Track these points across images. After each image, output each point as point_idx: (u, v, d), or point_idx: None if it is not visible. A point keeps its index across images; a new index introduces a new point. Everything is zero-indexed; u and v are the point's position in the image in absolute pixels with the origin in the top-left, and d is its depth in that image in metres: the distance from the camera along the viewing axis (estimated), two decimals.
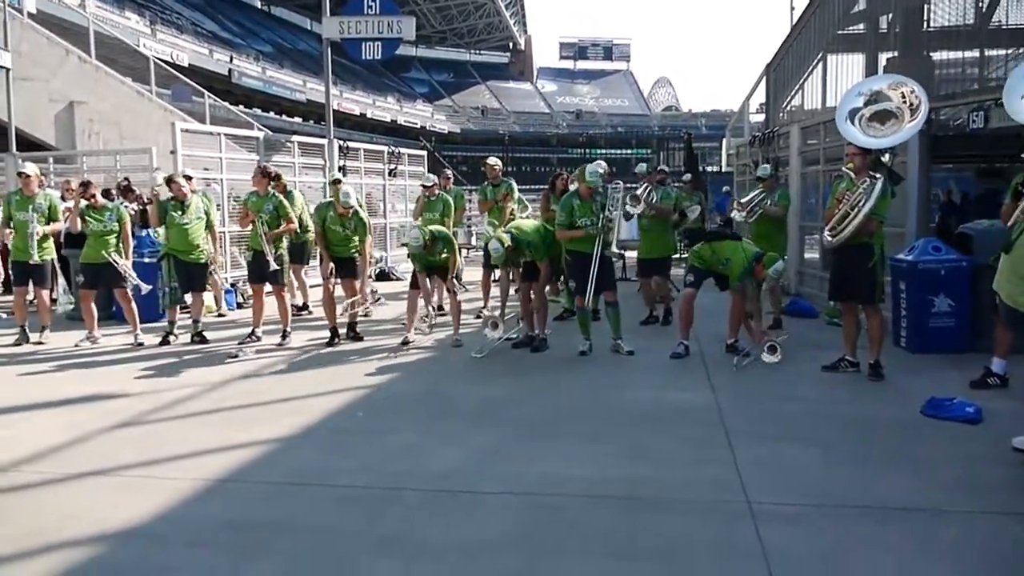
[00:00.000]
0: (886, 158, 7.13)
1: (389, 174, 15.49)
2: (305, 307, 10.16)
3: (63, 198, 10.31)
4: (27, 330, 8.36)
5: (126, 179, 10.77)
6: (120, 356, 7.70)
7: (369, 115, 58.41)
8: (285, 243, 8.36)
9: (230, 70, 46.39)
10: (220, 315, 10.02)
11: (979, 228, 7.75)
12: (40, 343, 8.26)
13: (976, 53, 15.73)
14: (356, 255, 8.28)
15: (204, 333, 8.32)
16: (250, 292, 8.93)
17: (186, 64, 38.19)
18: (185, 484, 4.22)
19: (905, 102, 6.53)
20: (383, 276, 13.37)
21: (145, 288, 8.47)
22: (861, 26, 15.95)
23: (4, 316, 9.86)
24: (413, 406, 5.88)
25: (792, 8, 20.19)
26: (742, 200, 8.94)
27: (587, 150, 74.31)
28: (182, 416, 5.64)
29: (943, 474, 4.30)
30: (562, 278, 8.59)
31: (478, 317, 9.32)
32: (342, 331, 8.21)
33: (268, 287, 8.22)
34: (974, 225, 8.02)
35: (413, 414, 5.67)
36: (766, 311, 8.19)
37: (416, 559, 3.39)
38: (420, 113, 68.84)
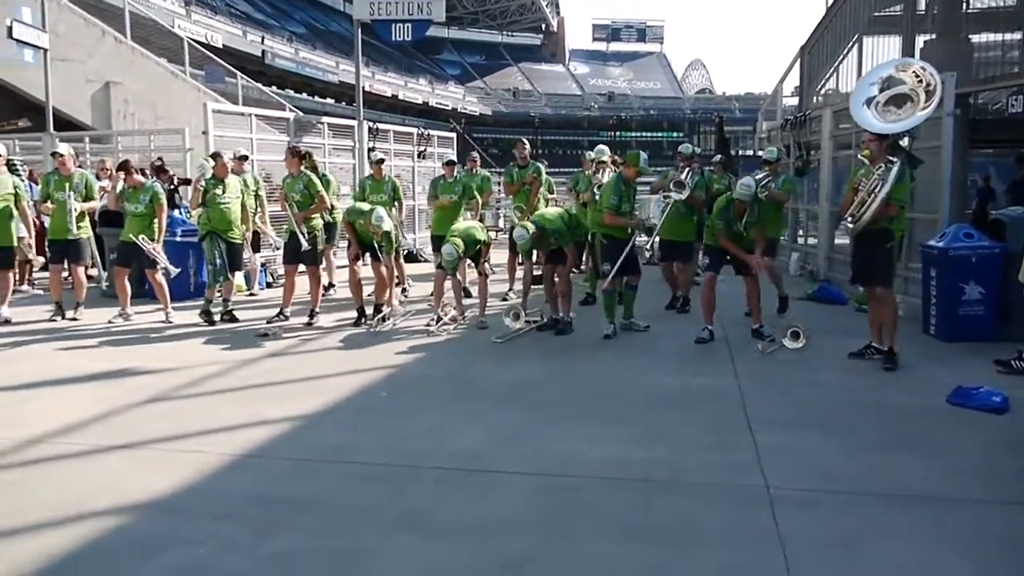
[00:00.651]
0: (904, 142, 7.03)
1: (418, 156, 15.53)
2: (331, 286, 10.27)
3: (98, 177, 10.50)
4: (63, 306, 8.55)
5: (160, 159, 10.92)
6: (151, 333, 7.85)
7: (401, 97, 58.49)
8: (319, 223, 8.44)
9: (263, 51, 46.67)
10: (251, 294, 10.16)
11: (1013, 214, 7.62)
12: (75, 319, 8.44)
13: (1017, 35, 15.38)
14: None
15: (234, 312, 8.44)
16: (280, 272, 9.05)
17: (220, 45, 38.46)
18: (211, 459, 4.31)
19: (920, 82, 6.41)
20: (411, 258, 13.43)
21: (174, 271, 8.61)
22: (898, 8, 15.66)
23: (41, 292, 10.08)
24: (436, 386, 5.94)
25: None
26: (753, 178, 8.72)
27: (619, 133, 73.90)
28: (210, 392, 5.75)
29: (965, 462, 4.27)
30: (585, 262, 8.59)
31: (504, 300, 9.37)
32: (368, 310, 8.29)
33: (301, 267, 8.31)
34: (1007, 211, 7.88)
35: (436, 394, 5.73)
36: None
37: (434, 536, 3.44)
38: (452, 95, 68.81)
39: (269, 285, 10.68)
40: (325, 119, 14.07)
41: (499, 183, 14.10)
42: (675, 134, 72.38)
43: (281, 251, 8.98)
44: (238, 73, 21.34)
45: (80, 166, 9.55)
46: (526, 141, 10.27)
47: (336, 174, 11.86)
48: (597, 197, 8.08)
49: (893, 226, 6.30)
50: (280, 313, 8.28)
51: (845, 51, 15.40)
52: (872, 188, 6.12)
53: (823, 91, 16.52)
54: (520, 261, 9.63)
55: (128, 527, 3.51)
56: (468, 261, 8.40)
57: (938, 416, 5.11)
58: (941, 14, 14.84)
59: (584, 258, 10.43)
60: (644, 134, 73.74)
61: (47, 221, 9.09)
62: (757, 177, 8.45)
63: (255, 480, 4.08)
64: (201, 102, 17.50)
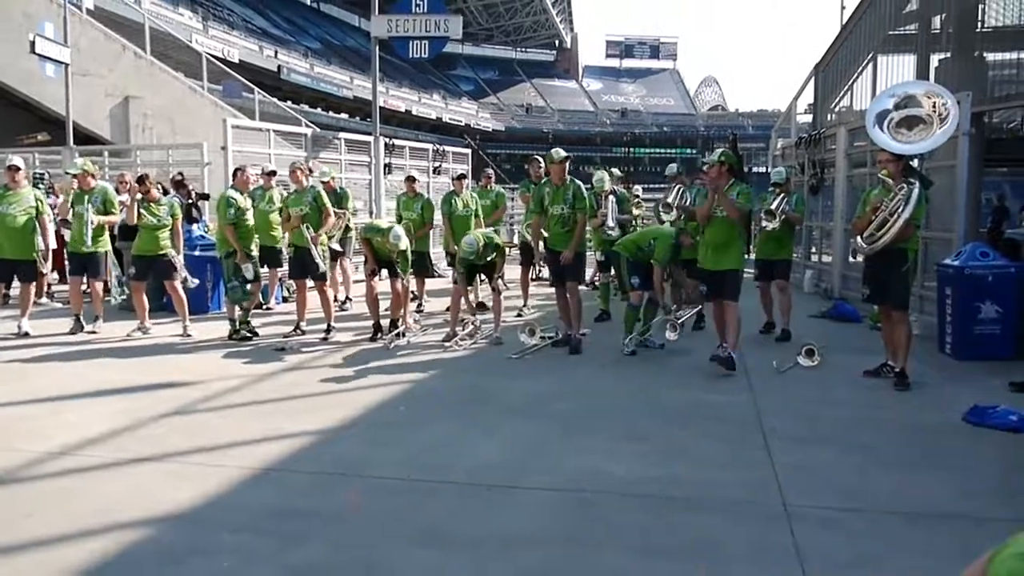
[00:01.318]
0: (915, 162, 7.06)
1: (433, 171, 15.64)
2: (348, 300, 10.34)
3: (117, 191, 10.63)
4: (82, 319, 8.64)
5: (180, 173, 11.04)
6: (170, 346, 7.93)
7: (414, 112, 58.84)
8: (325, 237, 8.54)
9: (279, 66, 47.11)
10: (267, 309, 10.23)
11: None
12: (94, 332, 8.52)
13: None
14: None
15: (252, 325, 8.50)
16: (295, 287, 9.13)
17: (236, 60, 38.84)
18: (232, 472, 4.36)
19: (935, 111, 6.47)
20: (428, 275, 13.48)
21: (194, 283, 8.71)
22: (913, 27, 15.69)
23: (60, 305, 10.19)
24: (453, 401, 5.98)
25: (843, 8, 19.96)
26: (771, 208, 8.45)
27: (631, 149, 74.02)
28: (230, 406, 5.81)
29: (982, 482, 4.28)
30: (596, 278, 8.66)
31: (519, 316, 9.41)
32: (384, 324, 8.34)
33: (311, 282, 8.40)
34: (1022, 230, 7.89)
35: (453, 409, 5.77)
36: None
37: (453, 550, 3.48)
38: (465, 111, 69.16)
39: (285, 300, 10.76)
40: (342, 135, 14.20)
41: (512, 198, 14.19)
42: (688, 150, 72.51)
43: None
44: (255, 88, 21.56)
45: (96, 179, 9.68)
46: (541, 159, 10.31)
47: (353, 189, 11.95)
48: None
49: (908, 246, 6.32)
50: (296, 327, 8.35)
51: (860, 69, 15.41)
52: (894, 209, 6.13)
53: (837, 109, 16.53)
54: (533, 277, 9.71)
55: (153, 538, 3.56)
56: (482, 276, 8.45)
57: (955, 434, 5.12)
58: (956, 33, 14.83)
59: (593, 274, 10.50)
60: (657, 150, 73.85)
61: (66, 235, 9.20)
62: (776, 201, 8.43)
63: (276, 493, 4.13)
64: (218, 117, 17.72)
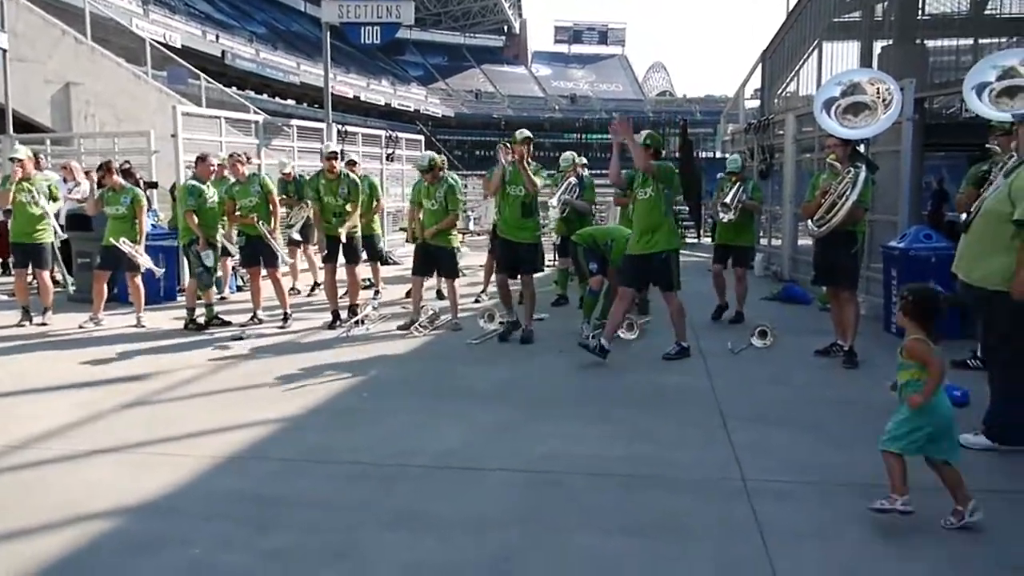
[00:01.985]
0: (861, 147, 7.28)
1: (387, 158, 15.55)
2: (317, 286, 10.26)
3: (65, 180, 10.40)
4: (29, 311, 8.44)
5: (127, 162, 10.81)
6: (125, 337, 7.80)
7: (363, 98, 58.23)
8: (272, 225, 8.39)
9: (223, 51, 46.18)
10: (222, 298, 10.10)
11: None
12: (44, 324, 8.34)
13: (970, 41, 15.85)
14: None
15: (220, 316, 8.40)
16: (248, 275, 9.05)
17: (179, 45, 37.98)
18: (196, 461, 4.35)
19: (879, 97, 6.69)
20: (381, 260, 13.44)
21: (159, 272, 8.59)
22: (856, 14, 16.07)
23: (5, 298, 9.93)
24: (416, 387, 6.02)
25: None
26: (726, 200, 8.50)
27: (582, 135, 74.26)
28: (189, 396, 5.77)
29: None
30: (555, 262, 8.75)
31: (477, 301, 9.46)
32: (343, 314, 8.32)
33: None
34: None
35: (416, 395, 5.81)
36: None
37: (423, 533, 3.53)
38: (414, 96, 68.67)
39: (240, 288, 10.65)
40: (294, 122, 14.03)
41: (466, 187, 14.15)
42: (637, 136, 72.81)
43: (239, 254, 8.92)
44: (201, 75, 21.14)
45: (39, 168, 9.45)
46: (508, 145, 10.08)
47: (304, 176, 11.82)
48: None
49: (856, 228, 6.54)
50: (253, 316, 8.30)
51: (805, 56, 15.76)
52: (842, 192, 6.33)
53: (784, 95, 16.87)
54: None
55: (123, 529, 3.55)
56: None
57: None
58: (898, 20, 15.24)
59: (552, 259, 10.55)
60: (607, 136, 74.05)
61: (10, 224, 8.95)
62: (732, 191, 8.50)
63: (244, 480, 4.13)
64: (163, 103, 17.36)
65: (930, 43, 15.51)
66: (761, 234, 13.49)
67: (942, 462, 3.64)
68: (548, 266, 9.55)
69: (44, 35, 17.80)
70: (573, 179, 9.17)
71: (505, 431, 4.94)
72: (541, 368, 6.60)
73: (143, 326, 8.19)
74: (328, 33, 13.33)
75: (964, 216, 6.61)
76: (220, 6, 56.14)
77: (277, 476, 4.21)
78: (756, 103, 19.24)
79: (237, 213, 8.24)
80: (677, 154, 21.72)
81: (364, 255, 9.25)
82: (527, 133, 7.79)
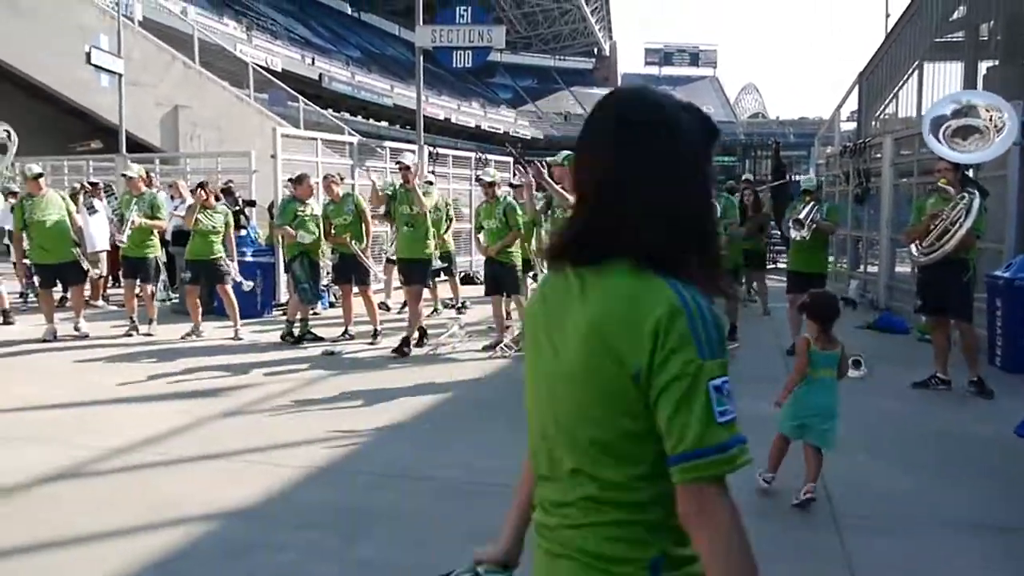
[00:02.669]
0: (970, 172, 7.03)
1: (476, 180, 15.75)
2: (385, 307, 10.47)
3: (172, 198, 10.92)
4: (136, 321, 8.88)
5: (230, 181, 11.29)
6: (222, 348, 8.13)
7: (454, 120, 59.21)
8: (364, 244, 8.61)
9: (320, 74, 47.74)
10: (315, 313, 10.40)
11: None
12: (149, 334, 8.75)
13: None
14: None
15: (314, 331, 8.67)
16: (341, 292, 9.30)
17: (279, 69, 39.45)
18: (289, 471, 4.50)
19: (991, 123, 6.45)
20: (467, 280, 13.63)
21: (248, 285, 8.93)
22: (960, 34, 15.50)
23: (115, 308, 10.47)
24: (501, 405, 6.04)
25: (887, 15, 19.78)
26: (799, 217, 8.17)
27: None
28: (282, 407, 5.96)
29: None
30: None
31: None
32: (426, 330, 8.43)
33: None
34: None
35: (501, 413, 5.83)
36: None
37: None
38: (503, 118, 69.42)
39: (332, 304, 10.94)
40: (386, 143, 14.40)
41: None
42: (728, 158, 71.92)
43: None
44: (300, 97, 21.94)
45: (150, 186, 9.97)
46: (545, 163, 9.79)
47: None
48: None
49: (969, 255, 6.29)
50: (344, 332, 8.52)
51: (905, 77, 15.26)
52: (956, 219, 6.11)
53: (882, 117, 16.38)
54: None
55: (217, 532, 3.70)
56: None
57: (1005, 446, 5.08)
58: (1004, 40, 14.63)
59: None
60: None
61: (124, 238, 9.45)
62: (806, 210, 8.30)
63: (333, 492, 4.25)
64: (264, 124, 18.10)
65: None
66: (859, 259, 13.13)
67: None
68: None
69: (156, 61, 18.84)
70: None
71: None
72: None
73: (240, 338, 8.51)
74: (421, 57, 13.63)
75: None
76: (318, 31, 58.12)
77: (365, 488, 4.32)
78: (852, 125, 18.75)
79: (332, 232, 8.51)
80: (769, 177, 21.32)
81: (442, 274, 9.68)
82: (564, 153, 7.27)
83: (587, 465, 1.28)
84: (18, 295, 10.97)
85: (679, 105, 1.35)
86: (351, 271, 8.50)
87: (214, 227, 8.59)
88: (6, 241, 10.17)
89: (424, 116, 14.59)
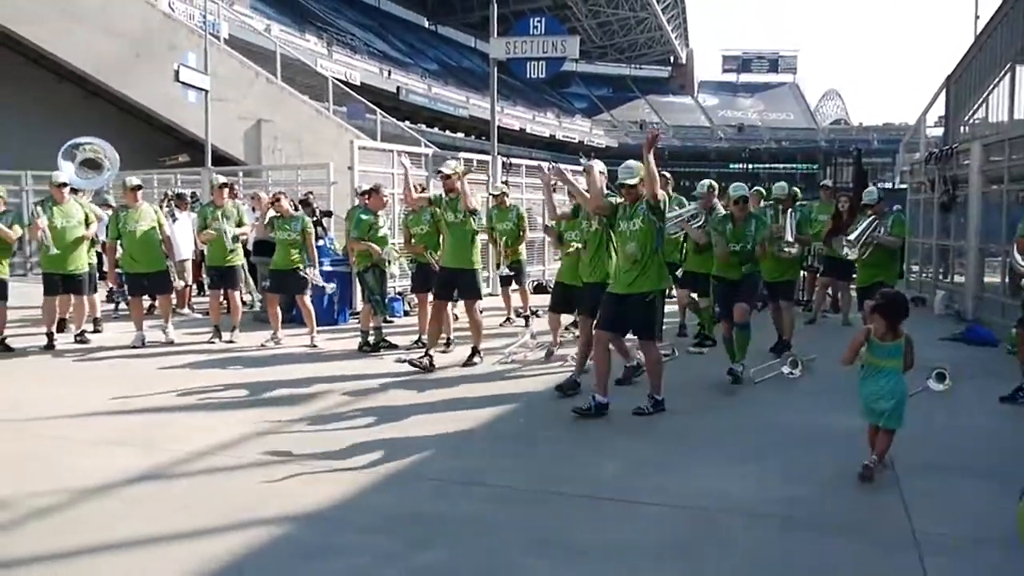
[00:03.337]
0: None
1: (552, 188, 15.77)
2: (534, 314, 10.41)
3: (253, 210, 11.27)
4: (220, 329, 9.19)
5: (309, 192, 11.59)
6: (300, 356, 8.33)
7: (528, 130, 59.48)
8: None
9: (398, 87, 48.59)
10: (388, 321, 10.58)
11: None
12: (231, 341, 9.05)
13: None
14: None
15: (388, 339, 8.83)
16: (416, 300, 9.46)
17: (358, 83, 40.29)
18: (359, 476, 4.59)
19: None
20: (540, 289, 13.64)
21: (330, 288, 9.18)
22: None
23: (201, 316, 10.86)
24: (568, 416, 6.03)
25: (976, 17, 19.05)
26: (850, 237, 7.93)
27: (748, 165, 72.42)
28: (354, 414, 6.07)
29: None
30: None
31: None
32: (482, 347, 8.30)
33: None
34: None
35: (570, 423, 5.83)
36: None
37: (567, 560, 3.55)
38: (579, 128, 69.37)
39: (406, 313, 11.11)
40: (460, 154, 14.54)
41: None
42: (810, 166, 70.40)
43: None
44: (377, 110, 22.39)
45: (234, 197, 10.32)
46: (668, 175, 9.47)
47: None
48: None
49: None
50: (419, 340, 8.63)
51: (996, 81, 14.67)
52: None
53: (971, 122, 15.78)
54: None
55: (290, 535, 3.80)
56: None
57: None
58: None
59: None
60: (775, 166, 71.90)
61: (206, 249, 9.83)
62: (861, 227, 8.03)
63: (402, 498, 4.32)
64: (342, 138, 18.52)
65: None
66: (942, 270, 12.67)
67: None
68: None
69: (240, 77, 19.48)
70: (693, 207, 8.69)
71: (654, 464, 4.89)
72: (692, 404, 6.43)
73: (316, 346, 8.71)
74: (495, 68, 13.76)
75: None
76: (396, 44, 59.19)
77: (433, 495, 4.37)
78: (939, 131, 18.12)
79: (412, 241, 8.65)
80: (851, 184, 20.77)
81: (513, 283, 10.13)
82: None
83: None
84: (106, 299, 11.44)
85: None
86: (428, 280, 8.52)
87: (289, 236, 8.81)
88: (98, 249, 10.63)
89: (499, 127, 14.74)
